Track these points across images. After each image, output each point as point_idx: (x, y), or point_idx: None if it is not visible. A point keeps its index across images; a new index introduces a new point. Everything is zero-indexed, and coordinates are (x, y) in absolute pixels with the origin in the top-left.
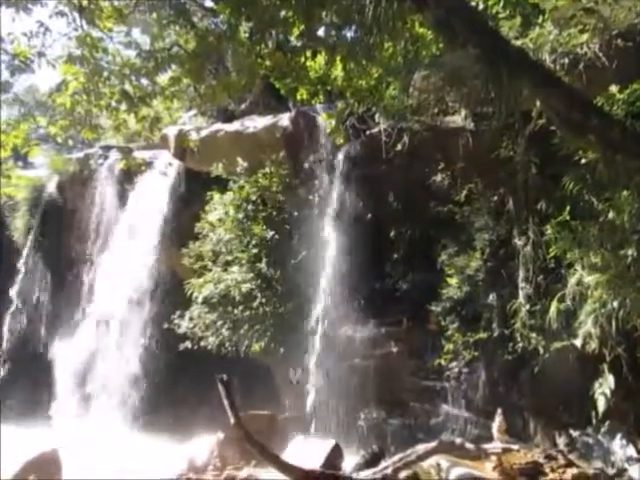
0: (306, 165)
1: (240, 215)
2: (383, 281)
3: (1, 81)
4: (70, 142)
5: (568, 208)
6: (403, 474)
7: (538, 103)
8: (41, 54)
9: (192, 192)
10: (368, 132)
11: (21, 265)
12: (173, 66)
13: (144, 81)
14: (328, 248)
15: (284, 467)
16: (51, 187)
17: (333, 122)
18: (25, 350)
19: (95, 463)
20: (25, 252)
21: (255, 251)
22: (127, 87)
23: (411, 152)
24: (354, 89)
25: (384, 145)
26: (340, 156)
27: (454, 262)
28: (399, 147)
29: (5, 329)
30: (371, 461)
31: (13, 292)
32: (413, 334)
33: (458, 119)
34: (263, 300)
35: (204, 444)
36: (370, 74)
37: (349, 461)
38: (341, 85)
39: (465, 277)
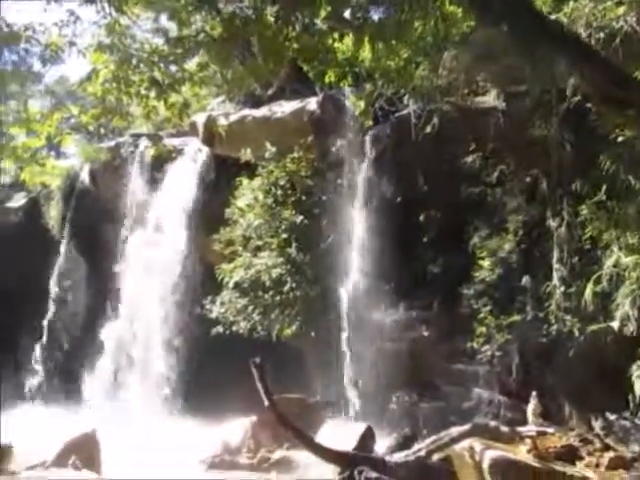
0: (334, 149)
1: (269, 200)
2: (413, 264)
3: (22, 73)
4: (102, 130)
5: (604, 187)
6: (436, 457)
7: (574, 79)
8: (72, 43)
9: (221, 178)
10: (397, 114)
11: (57, 253)
12: (201, 52)
13: (172, 68)
14: (357, 232)
15: (317, 449)
16: (83, 176)
17: (362, 104)
18: (63, 335)
19: (132, 444)
20: (61, 240)
21: (285, 236)
22: (156, 74)
23: (441, 134)
24: (383, 70)
25: (413, 127)
26: (368, 139)
27: (486, 244)
28: (428, 129)
29: (46, 316)
30: (403, 444)
31: (51, 280)
32: (444, 317)
33: (489, 99)
34: (293, 285)
35: (238, 427)
36: (399, 54)
37: (381, 444)
38: (369, 66)
39: (497, 259)
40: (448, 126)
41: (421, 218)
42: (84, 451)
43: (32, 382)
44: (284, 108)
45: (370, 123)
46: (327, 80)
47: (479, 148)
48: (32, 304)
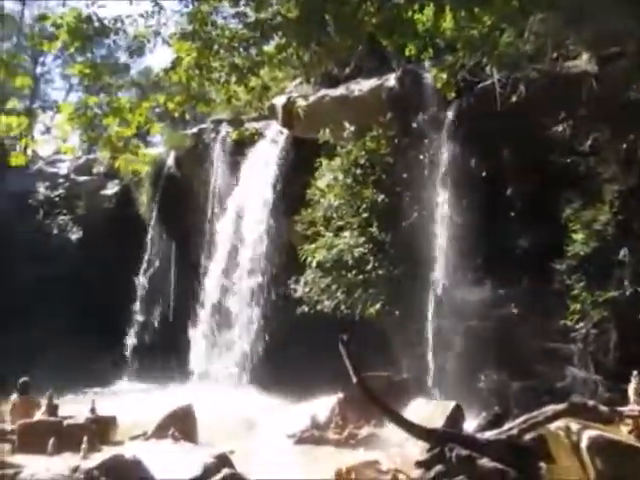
0: (414, 125)
1: (349, 180)
2: (500, 240)
3: (112, 65)
4: (187, 116)
5: None
6: (529, 436)
7: None
8: (157, 33)
9: (301, 160)
10: (480, 85)
11: (148, 238)
12: (279, 33)
13: (252, 51)
14: (440, 209)
15: (407, 425)
16: (170, 162)
17: (444, 76)
18: (155, 316)
19: (224, 418)
20: (152, 225)
21: (366, 215)
22: (236, 59)
23: (528, 102)
24: (465, 39)
25: (498, 97)
26: (450, 112)
27: (579, 216)
28: (514, 98)
29: (139, 296)
30: (494, 422)
31: (142, 262)
32: (534, 294)
33: (580, 63)
34: (376, 264)
35: (325, 403)
36: (482, 22)
37: (470, 423)
38: (451, 36)
39: (592, 232)
40: (536, 94)
41: (508, 191)
42: (181, 423)
43: (128, 360)
44: (362, 86)
45: (452, 95)
46: (407, 53)
47: (570, 115)
48: (125, 285)
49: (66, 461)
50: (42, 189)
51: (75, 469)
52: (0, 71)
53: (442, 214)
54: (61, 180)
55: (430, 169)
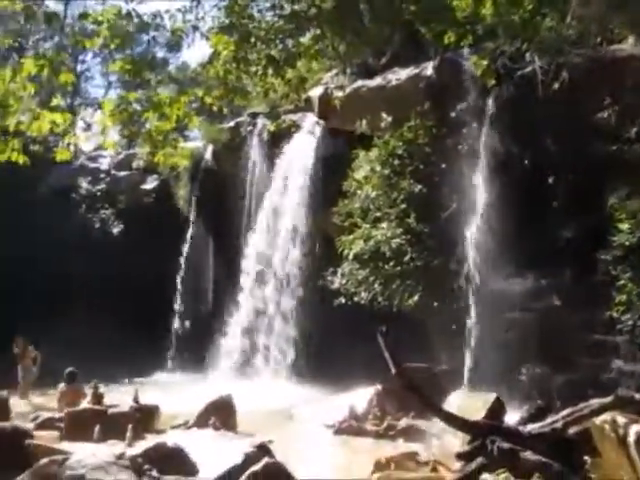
0: (453, 114)
1: (386, 171)
2: (542, 230)
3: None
4: (225, 110)
5: None
6: (574, 430)
7: None
8: (195, 27)
9: (337, 151)
10: (520, 72)
11: (187, 231)
12: (315, 24)
13: (288, 43)
14: (481, 199)
15: (447, 417)
16: (207, 156)
17: (484, 63)
18: (195, 307)
19: (263, 408)
20: (190, 218)
21: (403, 206)
22: (273, 52)
23: (571, 89)
24: (505, 25)
25: (540, 83)
26: (490, 101)
27: (625, 206)
28: (557, 85)
29: (178, 289)
30: (536, 415)
31: (182, 256)
32: (578, 285)
33: (626, 46)
34: (414, 255)
35: (363, 395)
36: (523, 6)
37: (511, 416)
38: (491, 22)
39: (638, 222)
40: (579, 80)
41: (550, 180)
42: (221, 413)
43: (168, 352)
44: (399, 75)
45: (492, 83)
46: (446, 41)
47: (615, 101)
48: (165, 278)
49: (111, 448)
50: (84, 184)
51: (120, 456)
52: (45, 69)
53: (481, 204)
54: (102, 175)
55: (469, 159)
